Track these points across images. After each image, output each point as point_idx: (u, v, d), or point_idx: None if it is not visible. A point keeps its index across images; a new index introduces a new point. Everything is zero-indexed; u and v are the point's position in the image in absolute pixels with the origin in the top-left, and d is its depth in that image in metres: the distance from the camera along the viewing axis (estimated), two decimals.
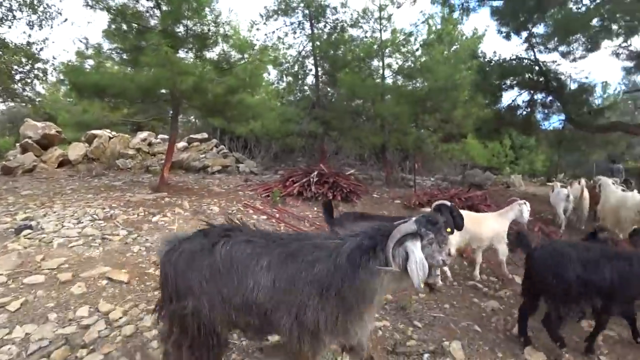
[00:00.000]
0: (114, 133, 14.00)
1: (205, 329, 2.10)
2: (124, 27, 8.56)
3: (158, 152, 13.84)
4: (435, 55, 14.41)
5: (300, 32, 15.36)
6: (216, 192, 8.93)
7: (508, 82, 12.54)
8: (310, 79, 16.15)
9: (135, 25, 8.45)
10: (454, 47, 19.28)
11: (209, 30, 9.08)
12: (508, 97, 13.23)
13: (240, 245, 2.13)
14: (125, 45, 8.61)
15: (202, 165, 12.95)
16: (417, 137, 13.40)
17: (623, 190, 7.32)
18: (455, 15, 15.19)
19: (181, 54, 9.07)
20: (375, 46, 13.91)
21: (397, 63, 14.45)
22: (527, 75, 12.70)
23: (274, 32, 15.41)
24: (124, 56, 8.85)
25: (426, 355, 3.09)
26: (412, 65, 14.16)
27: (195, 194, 8.51)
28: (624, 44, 11.00)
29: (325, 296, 1.96)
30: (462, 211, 4.86)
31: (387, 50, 14.12)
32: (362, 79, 12.81)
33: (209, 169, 12.83)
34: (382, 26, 14.10)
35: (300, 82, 16.26)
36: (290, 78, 16.44)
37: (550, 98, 12.77)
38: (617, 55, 11.50)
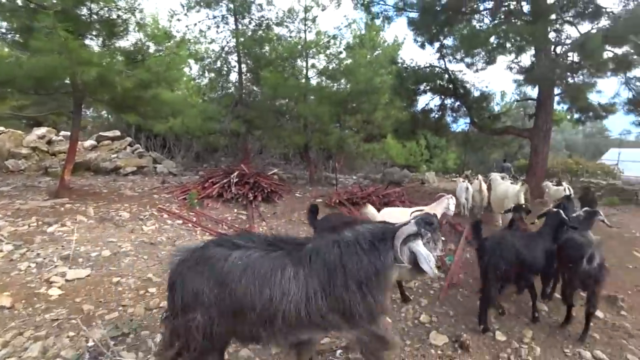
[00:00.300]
0: (1, 128, 12.28)
1: (210, 341, 2.06)
2: (18, 1, 7.39)
3: (59, 151, 12.34)
4: (358, 59, 15.03)
5: (224, 27, 14.83)
6: (128, 196, 8.25)
7: (422, 87, 13.44)
8: (234, 76, 15.69)
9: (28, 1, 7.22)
10: (377, 52, 20.30)
11: (118, 16, 8.22)
12: (422, 101, 13.80)
13: (257, 256, 2.11)
14: (15, 25, 7.47)
15: (113, 166, 11.84)
16: (339, 137, 13.81)
17: (512, 183, 8.52)
18: (378, 22, 15.91)
19: (87, 41, 8.08)
20: (299, 46, 13.98)
21: (320, 64, 14.65)
22: (438, 82, 13.69)
23: (195, 24, 14.65)
24: (17, 37, 7.68)
25: (339, 352, 3.18)
26: (336, 67, 14.49)
27: (103, 198, 7.78)
28: (516, 60, 12.69)
29: (362, 289, 2.06)
30: (399, 208, 5.20)
31: (311, 51, 14.28)
32: (284, 78, 12.78)
33: (122, 170, 11.79)
34: (307, 27, 14.20)
35: (223, 78, 15.71)
36: (212, 74, 15.83)
37: (457, 103, 13.94)
38: (510, 69, 13.14)
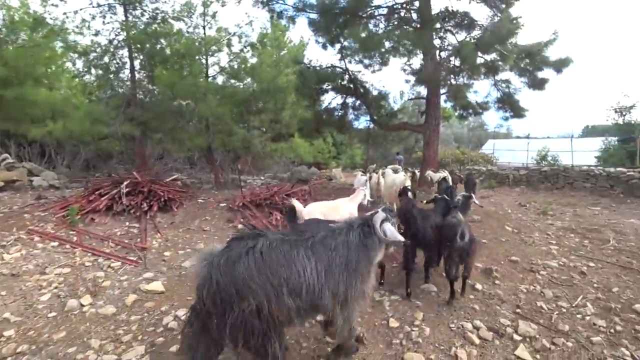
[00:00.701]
0: None
1: (266, 324, 2.25)
2: None
3: None
4: (264, 58, 14.85)
5: (112, 18, 13.25)
6: None
7: (324, 86, 13.73)
8: (125, 74, 14.24)
9: None
10: (283, 52, 20.29)
11: None
12: (325, 101, 14.10)
13: (278, 242, 2.42)
14: None
15: None
16: (244, 138, 13.50)
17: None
18: (283, 22, 15.84)
19: None
20: (197, 43, 13.25)
21: (222, 62, 14.08)
22: (339, 82, 14.14)
23: (76, 12, 12.74)
24: None
25: None
26: (238, 66, 14.09)
27: None
28: (408, 62, 13.79)
29: (349, 270, 2.54)
30: (324, 202, 5.47)
31: (211, 49, 13.64)
32: (182, 76, 12.00)
33: None
34: (206, 22, 13.49)
35: (112, 76, 14.09)
36: (100, 71, 14.11)
37: (358, 102, 14.61)
38: (404, 70, 14.27)
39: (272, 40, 24.32)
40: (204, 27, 13.51)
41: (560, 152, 19.47)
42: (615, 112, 15.40)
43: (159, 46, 13.31)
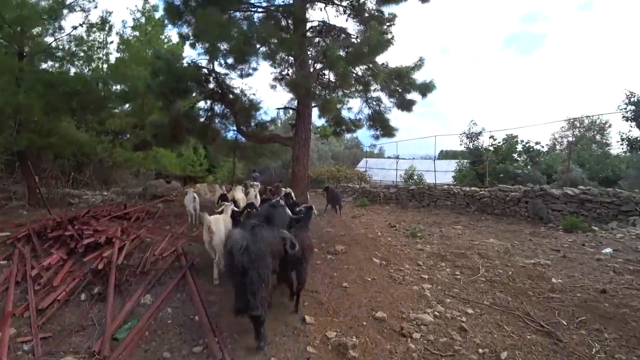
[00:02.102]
0: None
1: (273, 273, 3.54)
2: None
3: None
4: (132, 54, 11.73)
5: None
6: None
7: (183, 87, 11.29)
8: None
9: None
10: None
11: None
12: (186, 104, 11.64)
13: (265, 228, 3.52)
14: None
15: None
16: (73, 141, 10.19)
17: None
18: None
19: None
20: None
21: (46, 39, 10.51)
22: (205, 84, 11.97)
23: None
24: None
25: None
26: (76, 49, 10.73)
27: None
28: (279, 70, 12.49)
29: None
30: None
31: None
32: None
33: None
34: None
35: None
36: None
37: (226, 109, 12.60)
38: (279, 80, 12.86)
39: (143, 35, 20.86)
40: None
41: (424, 171, 20.52)
42: (467, 137, 16.46)
43: None
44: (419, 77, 11.06)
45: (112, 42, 20.38)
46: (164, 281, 4.50)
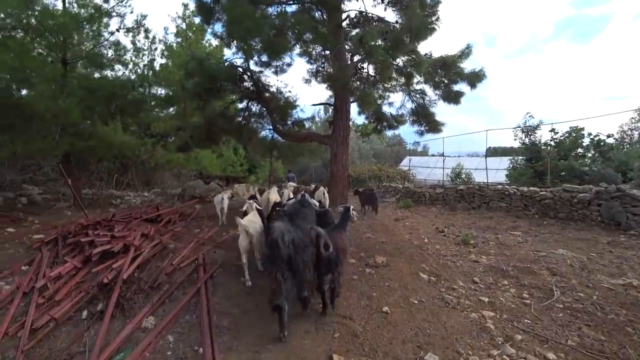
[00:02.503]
0: None
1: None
2: None
3: None
4: (173, 59, 11.73)
5: None
6: None
7: (218, 86, 10.97)
8: None
9: None
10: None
11: None
12: (222, 104, 11.31)
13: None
14: None
15: None
16: (112, 144, 10.20)
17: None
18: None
19: None
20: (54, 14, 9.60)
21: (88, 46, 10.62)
22: (241, 84, 11.61)
23: None
24: None
25: None
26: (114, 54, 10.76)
27: None
28: (320, 67, 11.82)
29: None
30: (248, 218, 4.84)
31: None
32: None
33: None
34: None
35: None
36: None
37: (263, 109, 12.15)
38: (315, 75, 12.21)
39: (185, 40, 21.23)
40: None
41: (472, 170, 18.96)
42: (522, 131, 14.81)
43: None
44: (466, 66, 9.96)
45: (156, 49, 20.99)
46: (177, 297, 3.97)
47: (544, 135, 14.30)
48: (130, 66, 11.28)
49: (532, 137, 14.69)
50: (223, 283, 4.41)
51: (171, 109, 17.57)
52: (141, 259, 4.75)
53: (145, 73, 20.50)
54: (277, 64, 11.23)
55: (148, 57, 20.64)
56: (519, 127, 14.87)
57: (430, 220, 9.89)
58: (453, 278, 4.86)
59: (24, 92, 9.28)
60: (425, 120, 10.91)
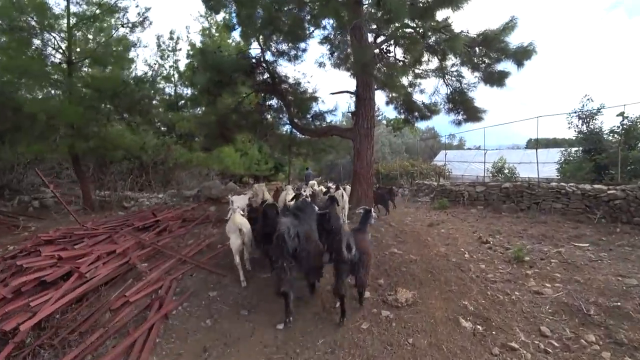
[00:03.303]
0: None
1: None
2: None
3: None
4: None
5: None
6: None
7: (226, 78, 9.80)
8: None
9: None
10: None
11: None
12: (233, 98, 10.12)
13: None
14: None
15: None
16: (118, 144, 9.37)
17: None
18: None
19: None
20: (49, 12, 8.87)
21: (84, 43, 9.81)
22: (258, 76, 10.43)
23: None
24: None
25: None
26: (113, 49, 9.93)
27: None
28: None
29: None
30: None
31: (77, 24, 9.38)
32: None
33: None
34: None
35: None
36: None
37: (279, 102, 10.90)
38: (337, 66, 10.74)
39: (209, 39, 20.49)
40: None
41: (516, 164, 16.71)
42: (579, 117, 12.51)
43: None
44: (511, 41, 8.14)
45: (180, 49, 20.41)
46: (102, 353, 2.78)
47: (605, 122, 12.00)
48: (125, 61, 10.26)
49: (590, 124, 12.40)
50: (181, 325, 3.20)
51: (198, 108, 16.92)
52: (82, 289, 3.63)
53: (171, 73, 20.10)
54: (292, 48, 9.89)
55: (172, 57, 20.17)
56: (575, 112, 12.60)
57: (471, 226, 8.21)
58: (509, 326, 3.32)
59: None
60: (463, 107, 9.16)
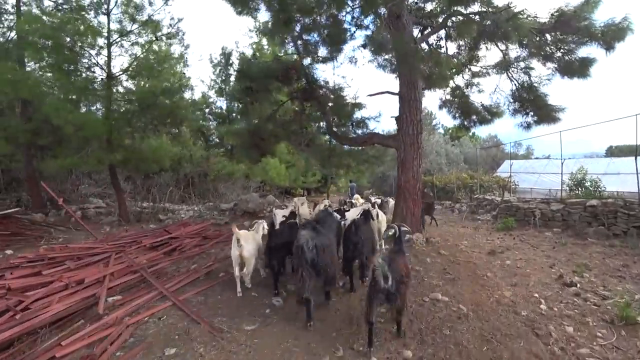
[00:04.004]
0: None
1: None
2: None
3: None
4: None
5: None
6: None
7: (260, 86, 9.00)
8: None
9: None
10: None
11: None
12: (269, 107, 9.23)
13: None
14: None
15: None
16: (147, 156, 8.97)
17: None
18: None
19: None
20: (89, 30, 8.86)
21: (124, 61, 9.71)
22: (296, 82, 9.56)
23: None
24: None
25: None
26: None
27: None
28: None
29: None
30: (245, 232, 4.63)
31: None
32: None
33: None
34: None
35: None
36: None
37: (317, 110, 9.88)
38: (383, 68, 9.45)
39: (259, 52, 20.36)
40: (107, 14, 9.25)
41: (600, 175, 13.74)
42: None
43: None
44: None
45: (232, 64, 20.54)
46: None
47: None
48: (159, 73, 9.92)
49: None
50: None
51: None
52: (12, 332, 2.79)
53: (223, 87, 20.29)
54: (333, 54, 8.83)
55: (224, 72, 20.35)
56: None
57: (546, 256, 6.30)
58: None
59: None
60: (533, 106, 7.34)
